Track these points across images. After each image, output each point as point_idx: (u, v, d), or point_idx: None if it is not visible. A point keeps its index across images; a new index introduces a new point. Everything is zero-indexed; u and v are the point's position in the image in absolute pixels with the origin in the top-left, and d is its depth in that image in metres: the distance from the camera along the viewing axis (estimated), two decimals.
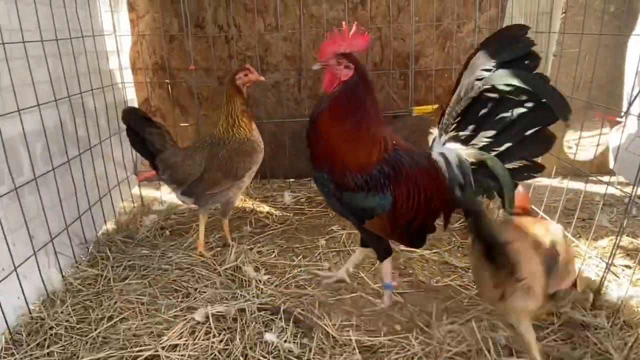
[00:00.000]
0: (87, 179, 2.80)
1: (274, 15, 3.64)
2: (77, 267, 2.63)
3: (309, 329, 2.10)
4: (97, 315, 2.23)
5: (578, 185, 3.60)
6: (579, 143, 4.00)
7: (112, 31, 3.28)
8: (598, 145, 3.66)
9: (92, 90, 2.91)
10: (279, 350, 1.97)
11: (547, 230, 1.79)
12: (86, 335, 2.09)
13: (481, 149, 1.99)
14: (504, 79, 1.87)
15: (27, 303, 2.19)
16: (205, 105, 3.86)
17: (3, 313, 2.00)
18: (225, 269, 2.56)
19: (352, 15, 3.65)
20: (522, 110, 1.90)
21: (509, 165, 1.98)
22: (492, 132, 1.96)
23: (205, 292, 2.36)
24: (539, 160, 2.04)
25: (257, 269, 2.58)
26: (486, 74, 1.91)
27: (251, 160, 2.76)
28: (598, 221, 2.94)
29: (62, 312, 2.24)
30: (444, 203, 2.09)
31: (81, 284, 2.49)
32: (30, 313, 2.21)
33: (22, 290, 2.14)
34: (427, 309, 2.27)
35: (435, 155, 2.08)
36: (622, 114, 3.15)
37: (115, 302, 2.31)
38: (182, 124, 3.78)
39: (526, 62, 1.88)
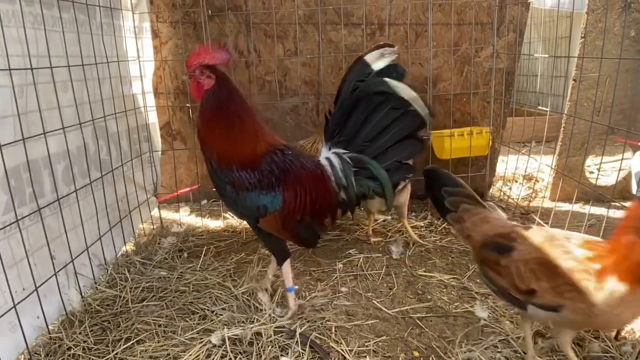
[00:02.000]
0: (108, 200, 2.85)
1: (294, 41, 3.71)
2: (96, 287, 2.66)
3: (325, 354, 2.08)
4: (115, 336, 2.24)
5: (600, 210, 3.54)
6: (600, 168, 3.95)
7: (136, 57, 3.37)
8: (620, 170, 3.61)
9: (115, 114, 2.98)
10: None
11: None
12: (103, 357, 2.10)
13: (360, 152, 2.27)
14: (374, 86, 2.19)
15: (46, 323, 2.21)
16: None
17: (23, 333, 2.02)
18: (243, 292, 2.56)
19: (371, 40, 3.70)
20: (394, 115, 2.22)
21: (386, 167, 2.27)
22: (370, 137, 2.25)
23: (222, 315, 2.36)
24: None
25: (272, 294, 2.57)
26: (360, 84, 2.20)
27: None
28: None
29: (80, 333, 2.26)
30: (329, 203, 2.30)
31: (100, 304, 2.51)
32: (49, 333, 2.23)
33: (42, 310, 2.16)
34: (446, 335, 2.23)
35: (322, 159, 2.32)
36: None
37: (133, 324, 2.33)
38: None
39: (394, 73, 2.20)
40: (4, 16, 2.04)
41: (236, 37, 3.72)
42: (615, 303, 1.60)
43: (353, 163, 2.27)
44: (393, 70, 2.21)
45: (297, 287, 2.50)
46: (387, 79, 2.19)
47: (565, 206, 3.72)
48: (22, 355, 2.06)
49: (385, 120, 2.23)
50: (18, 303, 1.98)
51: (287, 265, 2.40)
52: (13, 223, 2.05)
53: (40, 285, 2.14)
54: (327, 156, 2.31)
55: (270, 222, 2.26)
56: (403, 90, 2.18)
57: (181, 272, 2.84)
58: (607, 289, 1.60)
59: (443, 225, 3.47)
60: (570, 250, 1.74)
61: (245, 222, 3.54)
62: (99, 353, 2.14)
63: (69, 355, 2.11)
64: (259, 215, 2.24)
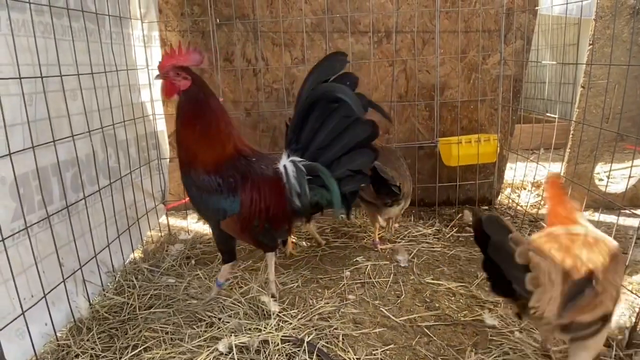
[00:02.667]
0: (117, 208, 2.86)
1: (301, 49, 3.72)
2: (104, 294, 2.66)
3: None
4: (122, 343, 2.24)
5: (610, 218, 3.51)
6: (610, 175, 3.92)
7: (144, 65, 3.40)
8: (630, 177, 3.57)
9: (124, 122, 3.00)
10: None
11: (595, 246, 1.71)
12: None
13: (315, 160, 2.29)
14: (320, 90, 2.22)
15: (54, 330, 2.21)
16: None
17: (31, 339, 2.03)
18: (248, 299, 2.55)
19: (377, 48, 3.71)
20: (345, 123, 2.22)
21: (339, 175, 2.27)
22: (324, 144, 2.26)
23: (228, 322, 2.36)
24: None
25: (280, 302, 2.56)
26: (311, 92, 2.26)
27: None
28: (632, 256, 2.85)
29: (88, 340, 2.26)
30: (283, 210, 2.34)
31: (107, 311, 2.51)
32: (57, 340, 2.23)
33: (51, 317, 2.17)
34: (455, 344, 2.21)
35: (280, 166, 2.35)
36: None
37: (140, 331, 2.33)
38: None
39: (347, 82, 2.22)
40: (15, 25, 2.07)
41: (244, 46, 3.74)
42: None
43: (307, 171, 2.29)
44: (346, 79, 2.25)
45: (226, 284, 2.66)
46: (331, 84, 2.23)
47: None
48: None
49: (338, 128, 2.25)
50: (26, 310, 1.99)
51: (228, 267, 2.55)
52: (22, 230, 2.06)
53: (48, 293, 2.15)
54: (285, 164, 2.34)
55: (229, 224, 2.36)
56: (342, 91, 2.20)
57: (189, 280, 2.84)
58: None
59: (451, 233, 3.45)
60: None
61: None
62: None
63: None
64: (219, 217, 2.35)
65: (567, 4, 2.99)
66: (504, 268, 1.58)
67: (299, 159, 2.30)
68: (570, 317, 1.62)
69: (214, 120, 2.32)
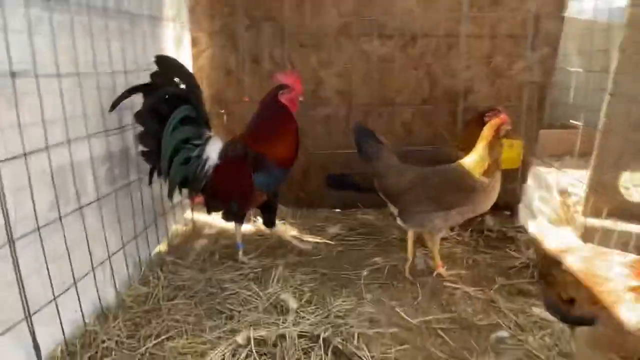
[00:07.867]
0: (145, 201, 2.97)
1: (327, 52, 3.78)
2: (130, 285, 2.76)
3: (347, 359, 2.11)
4: (146, 332, 2.33)
5: (638, 228, 3.45)
6: (638, 184, 3.86)
7: None
8: None
9: None
10: None
11: None
12: (135, 351, 2.20)
13: None
14: None
15: (83, 317, 2.32)
16: None
17: (62, 325, 2.14)
18: (269, 295, 2.62)
19: (403, 51, 3.73)
20: None
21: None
22: None
23: (248, 316, 2.43)
24: None
25: (299, 299, 2.62)
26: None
27: (467, 197, 2.68)
28: None
29: (114, 327, 2.36)
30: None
31: (133, 301, 2.61)
32: (85, 326, 2.34)
33: (80, 305, 2.28)
34: (469, 347, 2.24)
35: None
36: None
37: (164, 321, 2.42)
38: None
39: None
40: (57, 26, 2.18)
41: (272, 48, 3.81)
42: None
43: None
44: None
45: (244, 247, 3.18)
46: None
47: (599, 222, 3.65)
48: (60, 347, 2.17)
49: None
50: (58, 296, 2.10)
51: (237, 227, 3.16)
52: (54, 221, 2.16)
53: (79, 281, 2.26)
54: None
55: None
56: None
57: (211, 273, 2.93)
58: None
59: (471, 238, 3.46)
60: None
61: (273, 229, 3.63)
62: (131, 347, 2.24)
63: (103, 348, 2.21)
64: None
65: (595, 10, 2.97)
66: None
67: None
68: None
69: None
